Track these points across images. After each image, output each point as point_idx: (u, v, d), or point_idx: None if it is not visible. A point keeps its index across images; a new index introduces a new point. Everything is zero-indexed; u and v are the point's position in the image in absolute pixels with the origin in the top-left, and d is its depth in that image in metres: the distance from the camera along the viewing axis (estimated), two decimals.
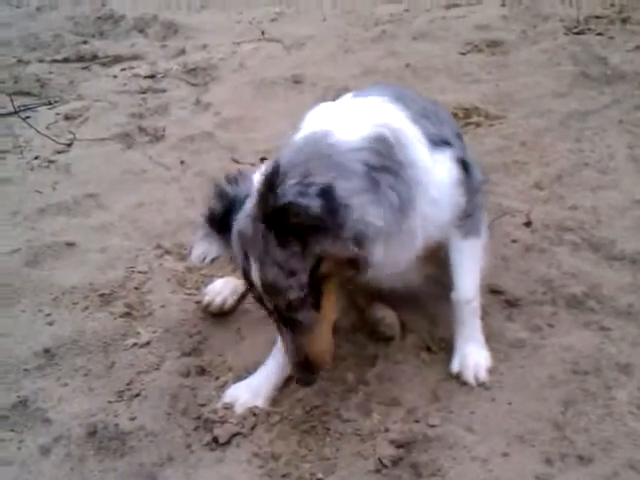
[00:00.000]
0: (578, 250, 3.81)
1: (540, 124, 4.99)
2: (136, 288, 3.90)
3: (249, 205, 2.59)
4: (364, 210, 2.52)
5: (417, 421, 2.94)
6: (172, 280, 3.94)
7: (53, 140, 5.47)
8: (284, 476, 2.78)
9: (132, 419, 3.09)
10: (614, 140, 4.73)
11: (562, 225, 3.98)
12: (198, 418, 3.06)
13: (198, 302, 3.73)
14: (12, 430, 3.10)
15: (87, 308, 3.76)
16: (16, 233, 4.42)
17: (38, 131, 5.57)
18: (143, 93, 6.12)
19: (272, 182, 2.41)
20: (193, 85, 6.24)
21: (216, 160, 5.14)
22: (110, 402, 3.19)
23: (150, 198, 4.74)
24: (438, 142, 2.93)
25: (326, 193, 2.44)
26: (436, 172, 2.88)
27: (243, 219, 2.61)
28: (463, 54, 6.15)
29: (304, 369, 2.77)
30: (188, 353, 3.45)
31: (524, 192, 4.34)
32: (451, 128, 3.24)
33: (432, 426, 2.89)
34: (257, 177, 2.59)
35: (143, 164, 5.15)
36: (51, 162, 5.24)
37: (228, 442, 2.94)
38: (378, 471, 2.77)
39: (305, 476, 2.78)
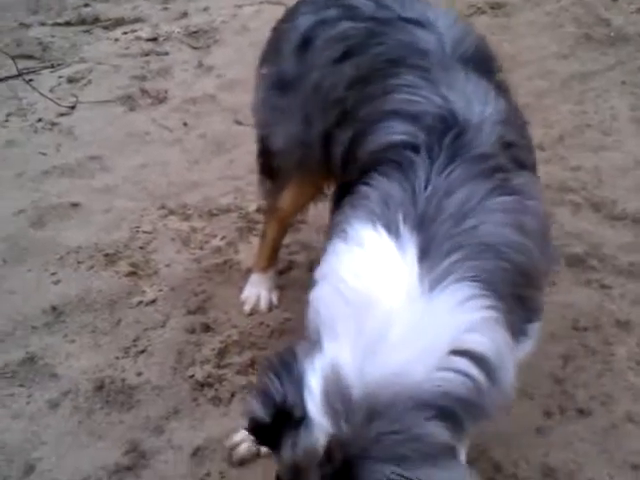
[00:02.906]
0: (580, 210, 3.84)
1: (543, 85, 4.98)
2: (141, 248, 3.92)
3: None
4: None
5: None
6: (177, 240, 3.96)
7: (56, 103, 5.45)
8: None
9: (139, 374, 3.14)
10: (616, 101, 4.73)
11: (564, 185, 4.01)
12: (204, 373, 3.12)
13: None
14: (21, 385, 3.14)
15: (92, 267, 3.79)
16: (21, 194, 4.44)
17: (41, 94, 5.55)
18: (145, 56, 6.08)
19: None
20: (195, 48, 6.20)
21: (219, 122, 5.14)
22: (117, 358, 3.24)
23: (153, 160, 4.74)
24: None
25: None
26: None
27: None
28: (467, 16, 6.11)
29: None
30: (193, 311, 3.48)
31: None
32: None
33: None
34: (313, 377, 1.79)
35: (146, 126, 5.15)
36: (54, 125, 5.23)
37: (233, 396, 3.00)
38: None
39: None
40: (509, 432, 2.75)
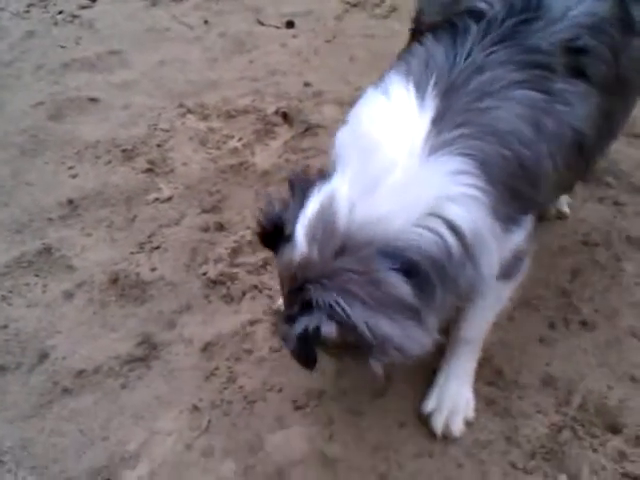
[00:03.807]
0: None
1: None
2: (158, 145, 3.94)
3: None
4: None
5: None
6: (194, 139, 3.97)
7: None
8: None
9: (153, 269, 3.19)
10: None
11: None
12: (216, 271, 3.17)
13: None
14: (37, 275, 3.20)
15: (110, 162, 3.81)
16: (40, 87, 4.45)
17: None
18: None
19: None
20: None
21: (240, 21, 5.09)
22: (132, 253, 3.28)
23: (173, 57, 4.73)
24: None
25: None
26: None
27: None
28: None
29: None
30: (208, 210, 3.50)
31: None
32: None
33: None
34: (313, 201, 2.01)
35: (166, 22, 5.11)
36: (75, 17, 5.20)
37: (244, 295, 3.05)
38: None
39: None
40: (513, 341, 2.80)
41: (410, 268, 1.87)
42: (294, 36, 4.91)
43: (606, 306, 2.92)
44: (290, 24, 5.01)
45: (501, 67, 1.98)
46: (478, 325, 2.56)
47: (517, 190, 2.00)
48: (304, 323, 1.91)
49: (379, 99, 2.03)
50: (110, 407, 2.66)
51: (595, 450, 2.44)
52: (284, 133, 3.97)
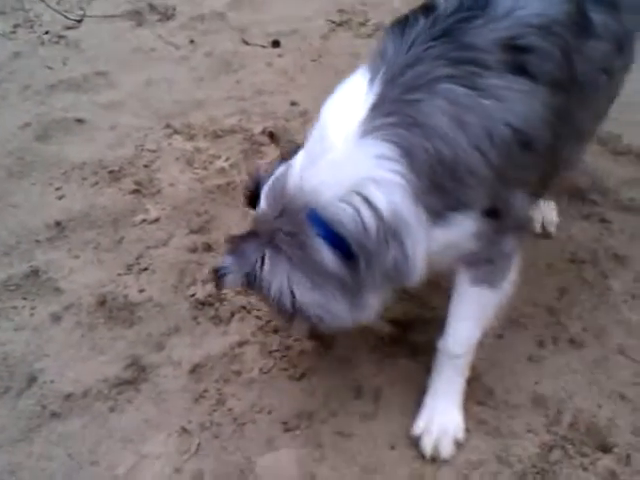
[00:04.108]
0: None
1: None
2: (145, 166, 3.93)
3: None
4: None
5: (417, 303, 3.02)
6: (181, 159, 3.97)
7: (63, 15, 5.41)
8: (287, 348, 2.89)
9: (141, 291, 3.18)
10: None
11: None
12: (204, 293, 3.16)
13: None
14: (24, 298, 3.18)
15: (97, 184, 3.81)
16: (26, 107, 4.44)
17: (49, 6, 5.51)
18: None
19: None
20: None
21: (226, 40, 5.10)
22: (119, 275, 3.27)
23: (159, 77, 4.73)
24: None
25: None
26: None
27: None
28: None
29: None
30: (196, 231, 3.50)
31: None
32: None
33: (432, 308, 2.97)
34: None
35: (153, 42, 5.12)
36: (61, 37, 5.21)
37: (232, 316, 3.05)
38: (377, 348, 2.88)
39: (307, 349, 2.90)
40: (502, 360, 2.80)
41: (335, 239, 2.11)
42: (280, 55, 4.93)
43: (594, 324, 2.93)
44: (276, 43, 5.03)
45: (433, 62, 2.07)
46: (464, 338, 2.55)
47: (440, 183, 2.08)
48: (226, 264, 2.25)
49: (344, 87, 2.23)
50: (99, 431, 2.65)
51: (586, 469, 2.44)
52: (271, 153, 3.98)
